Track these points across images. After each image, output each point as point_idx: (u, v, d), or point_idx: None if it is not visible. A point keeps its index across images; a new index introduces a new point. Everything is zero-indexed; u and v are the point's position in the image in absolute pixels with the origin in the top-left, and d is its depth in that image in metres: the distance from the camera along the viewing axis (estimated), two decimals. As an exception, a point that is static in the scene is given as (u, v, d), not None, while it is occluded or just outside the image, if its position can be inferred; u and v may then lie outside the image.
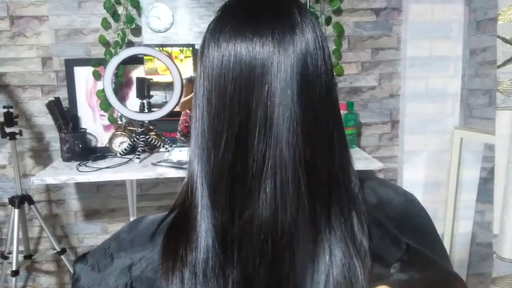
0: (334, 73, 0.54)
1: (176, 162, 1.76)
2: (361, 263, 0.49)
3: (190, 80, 1.96)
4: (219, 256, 0.49)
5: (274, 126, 0.47)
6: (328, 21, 2.03)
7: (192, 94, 1.99)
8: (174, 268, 0.51)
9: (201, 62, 0.52)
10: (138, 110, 1.91)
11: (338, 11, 2.06)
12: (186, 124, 2.12)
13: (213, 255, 0.50)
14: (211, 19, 0.53)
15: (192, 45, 2.04)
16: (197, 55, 2.04)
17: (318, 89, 0.49)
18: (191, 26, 2.05)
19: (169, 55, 1.95)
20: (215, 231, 0.50)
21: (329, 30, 2.04)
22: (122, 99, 1.96)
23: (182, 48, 2.02)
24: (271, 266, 0.49)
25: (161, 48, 1.95)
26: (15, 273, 1.76)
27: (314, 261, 0.49)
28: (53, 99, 1.89)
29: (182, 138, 2.09)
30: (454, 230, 2.12)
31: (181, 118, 2.10)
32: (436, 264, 0.56)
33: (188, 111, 2.12)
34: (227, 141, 0.48)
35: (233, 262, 0.49)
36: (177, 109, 1.92)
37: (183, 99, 1.92)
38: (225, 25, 0.51)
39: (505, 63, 1.47)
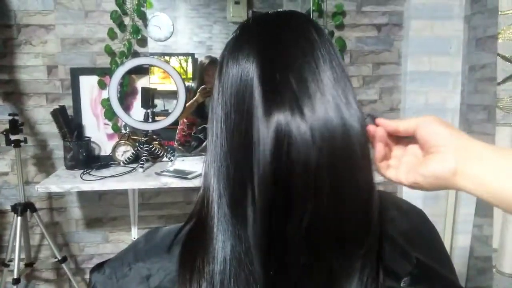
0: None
1: (179, 171, 1.77)
2: (371, 279, 0.51)
3: (188, 89, 1.99)
4: (246, 267, 0.50)
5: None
6: (330, 35, 2.07)
7: (189, 103, 2.03)
8: (191, 279, 0.52)
9: (220, 78, 0.54)
10: (142, 120, 1.93)
11: (340, 26, 2.10)
12: (183, 133, 2.14)
13: (234, 266, 0.51)
14: (226, 35, 0.56)
15: (192, 54, 2.08)
16: (196, 64, 2.08)
17: None
18: (190, 35, 2.08)
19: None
20: (239, 242, 0.51)
21: (332, 44, 2.07)
22: (126, 108, 1.98)
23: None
24: (298, 278, 0.50)
25: (164, 57, 1.98)
26: (16, 281, 1.76)
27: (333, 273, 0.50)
28: (58, 107, 1.91)
29: (179, 147, 2.11)
30: (453, 243, 2.13)
31: (179, 127, 2.13)
32: (444, 279, 0.58)
33: (185, 120, 2.14)
34: (245, 155, 0.50)
35: (254, 271, 0.50)
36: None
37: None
38: (244, 43, 0.53)
39: (505, 80, 1.50)
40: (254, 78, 0.49)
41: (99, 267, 0.63)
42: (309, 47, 0.51)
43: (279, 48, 0.51)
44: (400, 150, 0.54)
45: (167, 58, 2.05)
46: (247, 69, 0.50)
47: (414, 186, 0.50)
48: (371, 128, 0.53)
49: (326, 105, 0.47)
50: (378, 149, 0.52)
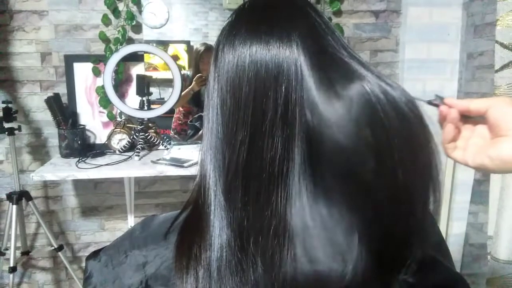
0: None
1: (175, 160, 1.76)
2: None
3: (184, 77, 1.97)
4: (236, 254, 0.50)
5: (290, 127, 0.48)
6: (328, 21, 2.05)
7: (185, 92, 2.01)
8: (188, 266, 0.52)
9: (216, 64, 0.53)
10: (138, 108, 1.91)
11: (338, 13, 2.07)
12: (180, 122, 2.13)
13: (228, 253, 0.50)
14: (224, 22, 0.54)
15: (188, 42, 2.06)
16: (192, 52, 2.06)
17: None
18: (186, 22, 2.06)
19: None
20: (231, 229, 0.50)
21: (329, 31, 2.05)
22: (121, 96, 1.96)
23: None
24: (290, 262, 0.49)
25: (158, 45, 1.96)
26: (13, 270, 1.76)
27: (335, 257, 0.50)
28: (52, 94, 1.89)
29: (176, 135, 2.10)
30: (448, 230, 2.15)
31: (175, 115, 2.12)
32: (442, 266, 0.58)
33: (181, 108, 2.13)
34: (242, 141, 0.49)
35: (252, 259, 0.49)
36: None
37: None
38: (240, 28, 0.51)
39: (502, 68, 1.49)
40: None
41: (95, 254, 0.62)
42: (311, 28, 0.50)
43: (277, 33, 0.49)
44: (468, 130, 0.52)
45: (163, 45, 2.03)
46: (244, 54, 0.49)
47: (480, 168, 0.49)
48: (443, 109, 0.51)
49: (359, 80, 0.45)
50: (448, 131, 0.51)
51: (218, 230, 0.51)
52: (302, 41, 0.48)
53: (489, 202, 1.56)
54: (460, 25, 2.07)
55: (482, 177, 2.03)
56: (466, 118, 0.52)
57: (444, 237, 2.12)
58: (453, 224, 2.16)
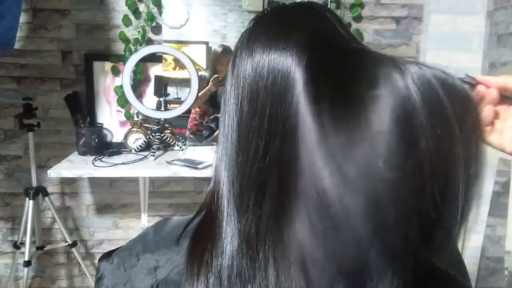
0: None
1: (190, 161, 1.77)
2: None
3: (201, 78, 1.98)
4: (246, 262, 0.49)
5: (304, 137, 0.47)
6: (348, 27, 2.03)
7: (202, 92, 2.02)
8: (199, 273, 0.51)
9: (233, 70, 0.52)
10: (155, 108, 1.92)
11: (358, 18, 2.06)
12: (195, 122, 2.13)
13: (239, 261, 0.50)
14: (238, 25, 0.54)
15: (206, 43, 2.07)
16: (210, 53, 2.07)
17: None
18: (205, 23, 2.07)
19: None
20: (242, 236, 0.50)
21: (348, 37, 2.04)
22: (139, 96, 1.98)
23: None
24: (298, 274, 0.49)
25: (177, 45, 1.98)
26: (27, 264, 1.79)
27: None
28: (71, 92, 1.91)
29: (191, 136, 2.11)
30: (465, 243, 2.10)
31: (191, 116, 2.12)
32: (458, 283, 0.56)
33: (197, 109, 2.14)
34: (256, 149, 0.48)
35: (261, 268, 0.49)
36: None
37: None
38: (259, 35, 0.51)
39: (527, 79, 1.46)
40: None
41: (107, 256, 0.62)
42: (324, 38, 0.49)
43: (295, 40, 0.49)
44: (505, 111, 0.46)
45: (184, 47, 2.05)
46: (262, 62, 0.49)
47: None
48: (481, 89, 0.46)
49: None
50: (488, 113, 0.45)
51: (230, 237, 0.51)
52: (318, 48, 0.48)
53: (508, 215, 1.52)
54: (483, 34, 2.03)
55: (502, 189, 1.98)
56: (504, 97, 0.46)
57: (460, 250, 2.08)
58: (470, 237, 2.11)
